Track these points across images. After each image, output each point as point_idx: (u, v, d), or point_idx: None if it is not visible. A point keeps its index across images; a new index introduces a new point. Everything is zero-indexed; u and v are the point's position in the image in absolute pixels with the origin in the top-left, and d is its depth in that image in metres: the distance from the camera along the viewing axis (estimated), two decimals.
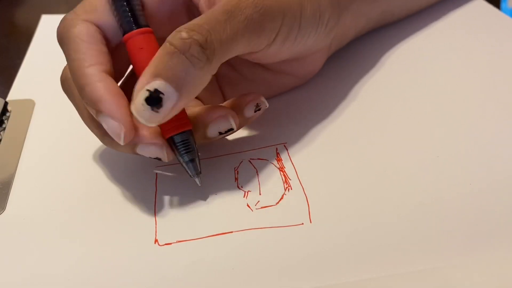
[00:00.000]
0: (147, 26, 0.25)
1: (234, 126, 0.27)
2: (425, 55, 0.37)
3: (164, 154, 0.25)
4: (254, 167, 0.28)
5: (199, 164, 0.26)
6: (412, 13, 0.41)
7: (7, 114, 0.33)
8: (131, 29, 0.25)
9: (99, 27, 0.25)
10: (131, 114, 0.23)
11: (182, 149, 0.25)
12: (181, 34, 0.23)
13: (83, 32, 0.25)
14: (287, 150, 0.29)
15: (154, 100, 0.22)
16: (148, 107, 0.22)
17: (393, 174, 0.27)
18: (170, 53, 0.22)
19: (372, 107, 0.32)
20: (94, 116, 0.24)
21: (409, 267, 0.22)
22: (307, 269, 0.23)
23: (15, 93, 0.36)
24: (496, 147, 0.28)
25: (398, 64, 0.36)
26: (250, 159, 0.29)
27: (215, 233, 0.24)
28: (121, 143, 0.23)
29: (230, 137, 0.30)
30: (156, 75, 0.22)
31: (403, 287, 0.22)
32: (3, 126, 0.33)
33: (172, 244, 0.24)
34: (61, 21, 0.26)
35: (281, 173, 0.28)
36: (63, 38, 0.25)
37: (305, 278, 0.22)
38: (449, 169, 0.27)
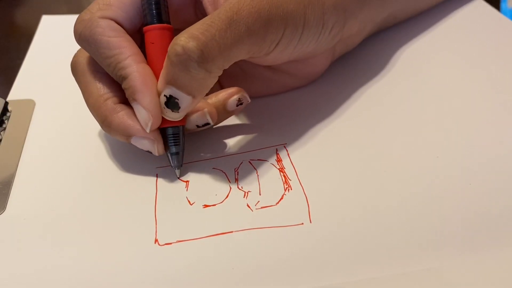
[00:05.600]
0: (168, 22, 0.26)
1: (211, 121, 0.28)
2: (424, 57, 0.37)
3: (154, 148, 0.27)
4: (254, 167, 0.28)
5: (183, 158, 0.27)
6: (413, 15, 0.41)
7: (7, 114, 0.33)
8: (151, 23, 0.26)
9: (116, 21, 0.26)
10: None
11: (171, 141, 0.27)
12: (175, 49, 0.23)
13: (107, 29, 0.25)
14: (287, 150, 0.29)
15: (172, 104, 0.25)
16: (169, 109, 0.25)
17: (393, 174, 0.27)
18: (172, 64, 0.24)
19: (371, 108, 0.32)
20: (130, 102, 0.26)
21: (409, 267, 0.22)
22: (307, 269, 0.23)
23: (15, 93, 0.36)
24: (496, 147, 0.28)
25: (397, 65, 0.36)
26: (250, 159, 0.29)
27: (215, 233, 0.24)
28: (147, 130, 0.26)
29: (230, 138, 0.30)
30: (167, 82, 0.24)
31: (403, 287, 0.22)
32: (3, 126, 0.33)
33: (172, 244, 0.24)
34: (78, 22, 0.26)
35: (281, 173, 0.28)
36: (88, 39, 0.26)
37: (305, 278, 0.22)
38: (449, 169, 0.27)
